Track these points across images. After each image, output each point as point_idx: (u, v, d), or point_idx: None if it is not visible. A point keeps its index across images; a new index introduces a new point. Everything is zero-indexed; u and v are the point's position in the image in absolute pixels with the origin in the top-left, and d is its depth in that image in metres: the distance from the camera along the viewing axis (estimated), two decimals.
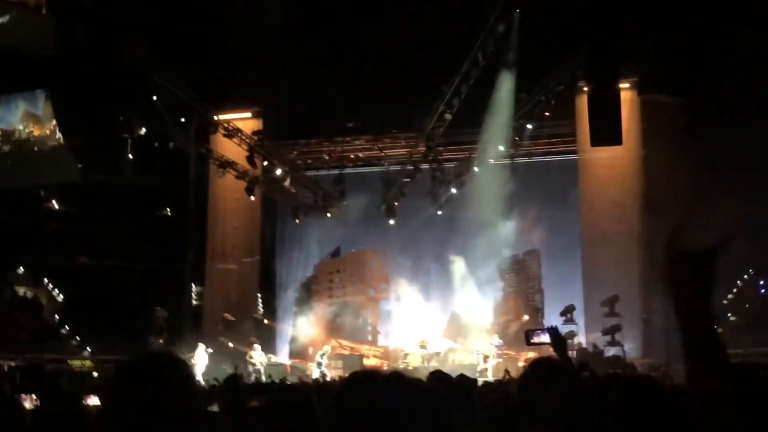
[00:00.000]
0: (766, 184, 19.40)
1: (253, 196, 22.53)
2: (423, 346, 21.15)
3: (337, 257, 25.81)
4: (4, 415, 2.82)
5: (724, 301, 24.55)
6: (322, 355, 20.37)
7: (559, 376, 2.73)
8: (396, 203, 23.34)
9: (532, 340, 4.72)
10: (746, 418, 3.58)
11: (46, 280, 28.53)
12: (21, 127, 25.17)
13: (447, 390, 4.04)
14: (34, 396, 11.13)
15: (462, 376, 5.18)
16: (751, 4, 16.79)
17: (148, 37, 18.65)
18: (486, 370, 18.89)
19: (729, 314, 25.40)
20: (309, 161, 24.86)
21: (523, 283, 22.82)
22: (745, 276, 24.98)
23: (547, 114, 20.68)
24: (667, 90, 19.84)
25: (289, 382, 12.25)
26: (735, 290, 25.38)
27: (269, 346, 22.46)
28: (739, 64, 17.08)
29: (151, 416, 2.01)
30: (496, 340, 20.90)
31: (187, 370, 2.20)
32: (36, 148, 24.96)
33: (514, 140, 21.59)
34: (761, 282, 25.08)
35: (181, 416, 2.05)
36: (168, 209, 27.53)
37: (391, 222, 23.58)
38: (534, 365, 2.81)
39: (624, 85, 18.60)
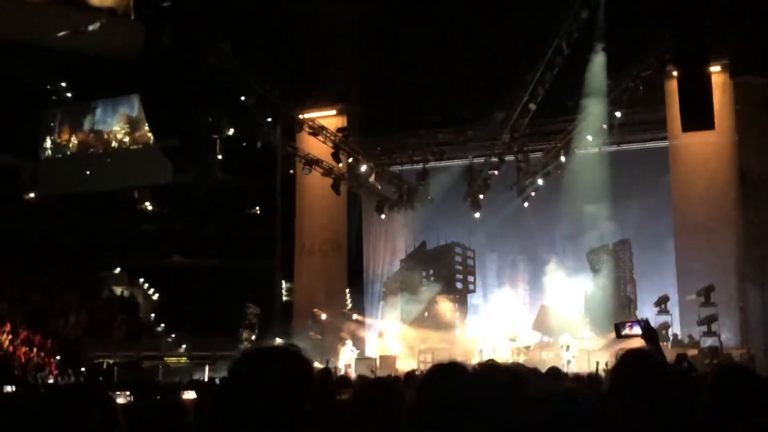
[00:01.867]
0: None
1: (339, 192, 22.75)
2: (512, 340, 20.97)
3: (422, 251, 25.80)
4: (94, 410, 2.90)
5: None
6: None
7: (650, 368, 2.66)
8: (481, 196, 23.18)
9: (622, 333, 4.63)
10: None
11: (141, 279, 29.47)
12: (118, 129, 26.13)
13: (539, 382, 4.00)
14: (128, 392, 11.50)
15: (552, 369, 5.13)
16: None
17: (232, 38, 19.00)
18: (570, 362, 18.65)
19: None
20: (393, 156, 24.93)
21: (615, 273, 22.34)
22: None
23: (635, 101, 20.21)
24: (759, 71, 19.17)
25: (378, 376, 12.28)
26: None
27: (358, 341, 22.63)
28: None
29: (265, 406, 2.03)
30: (587, 332, 20.55)
31: (308, 364, 2.21)
32: (132, 150, 25.86)
33: (602, 128, 21.13)
34: None
35: (296, 409, 2.07)
36: (257, 208, 28.10)
37: (477, 215, 23.44)
38: (626, 357, 2.75)
39: (715, 68, 18.03)
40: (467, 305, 25.18)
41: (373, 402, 3.34)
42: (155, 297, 29.33)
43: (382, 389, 3.52)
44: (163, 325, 27.34)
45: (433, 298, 24.47)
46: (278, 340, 19.77)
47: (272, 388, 2.06)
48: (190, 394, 9.73)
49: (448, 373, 1.90)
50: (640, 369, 2.51)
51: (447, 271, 25.25)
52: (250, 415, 2.03)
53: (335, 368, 18.40)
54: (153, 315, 28.57)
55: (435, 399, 1.82)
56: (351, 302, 24.49)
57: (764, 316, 19.62)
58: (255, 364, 2.14)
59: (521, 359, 19.21)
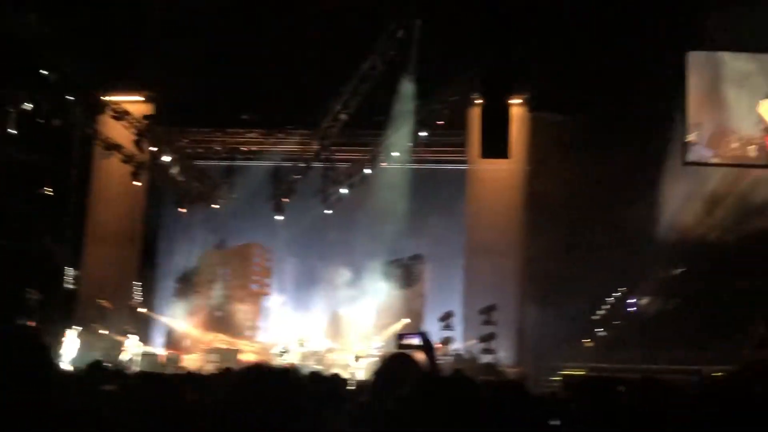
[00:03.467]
0: (641, 204, 20.36)
1: (139, 181, 22.02)
2: (302, 344, 21.15)
3: (221, 249, 25.48)
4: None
5: (595, 317, 25.57)
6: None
7: (409, 375, 2.82)
8: (285, 199, 23.25)
9: (402, 342, 4.87)
10: (603, 425, 3.78)
11: None
12: None
13: (320, 387, 4.12)
14: None
15: (335, 375, 5.29)
16: (637, 32, 17.57)
17: (41, 9, 17.98)
18: (358, 370, 19.09)
19: (599, 329, 26.45)
20: (199, 150, 24.45)
21: (406, 287, 23.12)
22: (617, 294, 26.06)
23: (440, 123, 21.09)
24: (555, 109, 20.56)
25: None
26: (606, 307, 26.45)
27: (145, 336, 21.98)
28: (623, 87, 17.86)
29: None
30: (377, 342, 21.10)
31: (43, 350, 2.18)
32: None
33: (408, 146, 21.88)
34: (631, 301, 26.21)
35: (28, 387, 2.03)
36: (49, 188, 26.59)
37: (279, 218, 23.48)
38: (385, 362, 2.88)
39: (515, 101, 19.15)
40: (261, 307, 25.13)
41: (146, 397, 3.30)
42: None
43: (157, 385, 3.48)
44: None
45: (227, 298, 24.23)
46: (72, 332, 18.91)
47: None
48: None
49: (252, 376, 1.94)
50: (399, 372, 2.64)
51: (244, 272, 25.09)
52: None
53: (115, 362, 17.79)
54: None
55: (234, 400, 1.86)
56: (141, 296, 23.71)
57: (540, 338, 20.99)
58: None
59: (310, 365, 19.42)
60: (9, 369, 2.04)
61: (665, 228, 21.22)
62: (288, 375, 1.88)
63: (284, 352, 20.81)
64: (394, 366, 2.64)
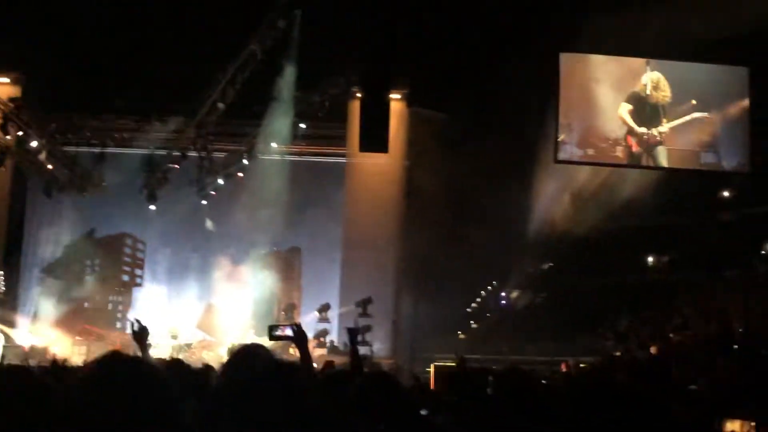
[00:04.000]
0: (514, 200, 20.98)
1: (3, 166, 21.00)
2: (174, 336, 20.73)
3: (90, 238, 24.64)
4: None
5: (468, 309, 26.22)
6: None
7: (261, 368, 2.81)
8: (158, 189, 22.70)
9: (275, 334, 4.87)
10: (470, 414, 3.89)
11: None
12: None
13: (184, 379, 4.04)
14: None
15: (205, 366, 5.23)
16: (513, 32, 18.07)
17: None
18: None
19: (471, 322, 27.12)
20: (69, 136, 23.52)
21: (283, 278, 23.01)
22: (489, 287, 26.81)
23: (320, 115, 21.06)
24: (434, 105, 20.90)
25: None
26: (479, 300, 27.15)
27: (8, 327, 21.02)
28: (498, 85, 18.32)
29: None
30: (251, 334, 20.91)
31: None
32: None
33: (287, 137, 21.76)
34: (502, 294, 27.01)
35: None
36: None
37: (152, 207, 22.90)
38: (237, 352, 2.85)
39: (395, 96, 19.35)
40: (132, 298, 24.50)
41: (10, 392, 3.17)
42: None
43: (20, 379, 3.35)
44: None
45: (96, 288, 23.50)
46: None
47: None
48: None
49: (110, 368, 1.89)
50: (248, 363, 2.59)
51: (114, 262, 24.38)
52: None
53: None
54: None
55: (96, 392, 1.80)
56: (4, 286, 22.65)
57: (415, 330, 21.34)
58: None
59: (181, 356, 19.05)
60: None
61: (536, 224, 21.95)
62: (141, 364, 1.83)
63: (173, 337, 20.40)
64: (244, 356, 2.61)
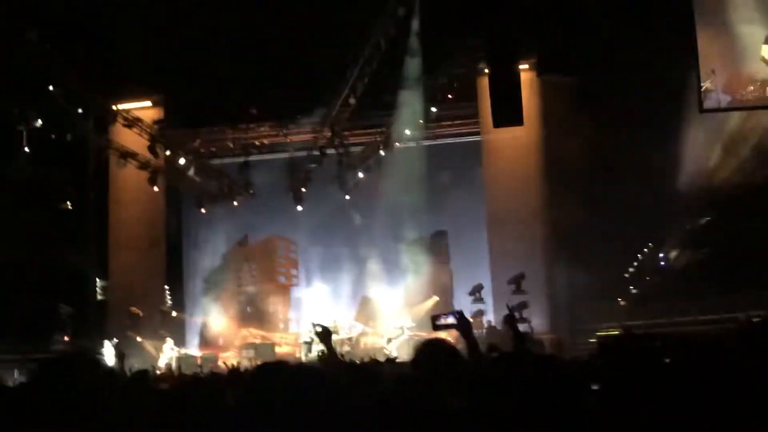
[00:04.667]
0: (662, 156, 20.15)
1: (156, 186, 22.08)
2: (335, 332, 21.16)
3: (245, 245, 25.55)
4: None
5: (626, 275, 25.42)
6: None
7: (448, 357, 2.77)
8: (303, 189, 23.24)
9: (438, 323, 4.82)
10: (644, 384, 3.71)
11: None
12: None
13: (350, 375, 4.07)
14: None
15: (372, 361, 5.30)
16: None
17: (41, 26, 17.99)
18: (391, 352, 19.08)
19: (630, 287, 26.31)
20: (213, 149, 24.48)
21: (432, 264, 23.05)
22: (645, 249, 25.90)
23: (450, 96, 20.92)
24: (564, 70, 20.33)
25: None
26: (636, 263, 26.29)
27: (179, 338, 22.13)
28: (630, 39, 17.61)
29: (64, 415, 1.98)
30: (408, 322, 21.09)
31: (98, 369, 2.16)
32: None
33: (420, 123, 21.76)
34: (660, 255, 26.03)
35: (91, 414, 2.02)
36: (68, 203, 26.73)
37: (299, 208, 23.48)
38: (423, 346, 2.84)
39: (523, 66, 18.94)
40: (290, 299, 25.20)
41: (192, 400, 3.28)
42: None
43: (201, 387, 3.47)
44: None
45: (256, 293, 24.32)
46: (108, 343, 19.09)
47: (66, 397, 2.00)
48: None
49: (273, 373, 1.90)
50: (436, 358, 2.58)
51: (270, 265, 25.16)
52: (43, 423, 1.98)
53: (153, 367, 17.89)
54: None
55: (262, 399, 1.81)
56: (170, 299, 23.85)
57: (570, 302, 20.88)
58: (50, 373, 2.07)
59: (345, 350, 19.46)
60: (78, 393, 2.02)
61: (688, 177, 21.00)
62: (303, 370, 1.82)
63: (310, 342, 20.86)
64: (431, 353, 2.61)
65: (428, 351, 2.29)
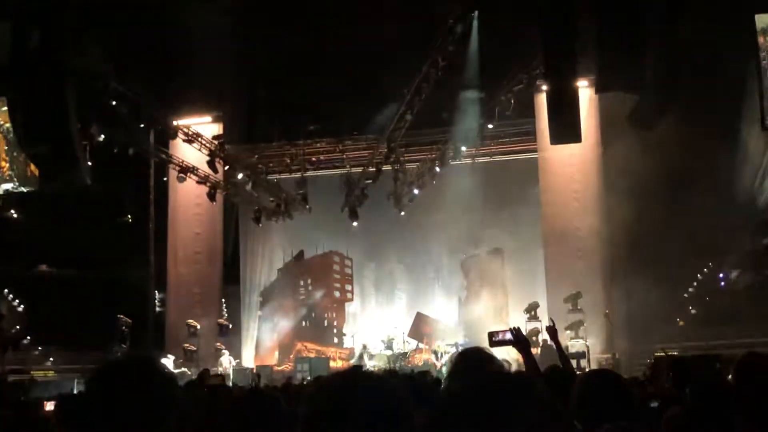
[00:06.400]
0: (722, 175, 19.78)
1: (215, 200, 22.42)
2: (388, 347, 21.21)
3: (301, 260, 25.75)
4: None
5: (685, 295, 24.91)
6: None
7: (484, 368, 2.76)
8: (358, 205, 23.34)
9: (495, 340, 4.81)
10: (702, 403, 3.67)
11: (6, 290, 28.09)
12: None
13: (408, 388, 4.09)
14: None
15: (421, 373, 5.31)
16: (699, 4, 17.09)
17: (104, 42, 18.44)
18: (443, 367, 19.02)
19: (690, 307, 25.78)
20: (270, 165, 24.77)
21: (487, 281, 22.94)
22: (705, 269, 25.38)
23: (507, 114, 20.86)
24: (622, 87, 20.09)
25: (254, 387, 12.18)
26: (695, 283, 25.76)
27: (235, 351, 22.36)
28: (690, 56, 17.35)
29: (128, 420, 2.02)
30: (462, 339, 21.01)
31: (165, 374, 2.21)
32: None
33: (475, 140, 21.73)
34: (721, 275, 25.49)
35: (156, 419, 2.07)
36: (129, 216, 27.28)
37: (355, 224, 23.56)
38: (460, 357, 2.82)
39: (582, 83, 18.80)
40: (345, 313, 25.30)
41: (251, 413, 3.33)
42: (21, 308, 28.02)
43: (259, 400, 3.51)
44: (29, 337, 26.14)
45: (311, 307, 24.47)
46: (170, 357, 19.42)
47: (129, 402, 2.05)
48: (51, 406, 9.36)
49: (334, 386, 1.91)
50: (473, 370, 2.58)
51: (325, 280, 25.30)
52: (109, 429, 2.02)
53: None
54: (18, 327, 27.27)
55: (324, 410, 1.83)
56: (227, 312, 24.14)
57: (628, 322, 20.55)
58: (111, 377, 2.13)
59: (398, 366, 19.46)
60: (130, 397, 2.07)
61: (749, 198, 20.59)
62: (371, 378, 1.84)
63: (363, 354, 20.93)
64: (472, 359, 2.61)
65: (465, 361, 2.30)
